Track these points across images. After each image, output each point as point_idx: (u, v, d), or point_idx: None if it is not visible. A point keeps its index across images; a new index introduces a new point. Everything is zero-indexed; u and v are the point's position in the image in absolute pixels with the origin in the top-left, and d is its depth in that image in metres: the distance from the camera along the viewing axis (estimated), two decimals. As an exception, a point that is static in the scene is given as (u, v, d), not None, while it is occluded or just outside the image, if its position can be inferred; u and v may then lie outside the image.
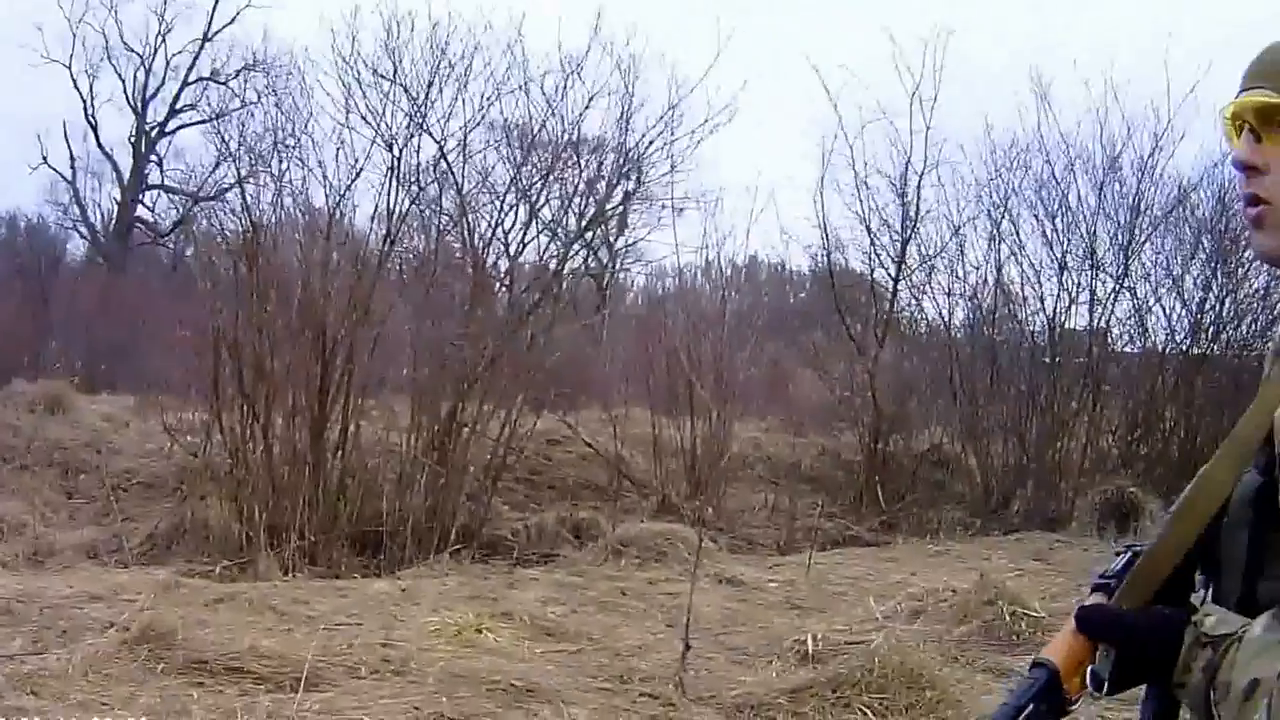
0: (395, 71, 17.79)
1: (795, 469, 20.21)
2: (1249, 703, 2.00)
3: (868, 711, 7.70)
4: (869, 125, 20.87)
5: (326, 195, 17.17)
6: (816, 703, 7.90)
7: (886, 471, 19.73)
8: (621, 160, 21.26)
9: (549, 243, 20.16)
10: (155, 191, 48.20)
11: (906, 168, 20.89)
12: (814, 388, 23.33)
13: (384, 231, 17.30)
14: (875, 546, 16.25)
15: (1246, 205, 2.22)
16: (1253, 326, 20.09)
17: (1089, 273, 20.11)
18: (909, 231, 21.09)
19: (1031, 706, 2.22)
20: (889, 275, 21.48)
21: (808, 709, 7.86)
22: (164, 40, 46.66)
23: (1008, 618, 9.98)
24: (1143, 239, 20.24)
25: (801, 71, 34.20)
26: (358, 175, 17.09)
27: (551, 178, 19.45)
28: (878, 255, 21.51)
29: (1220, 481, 2.22)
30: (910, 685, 7.89)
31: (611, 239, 26.29)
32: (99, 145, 47.16)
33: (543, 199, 19.68)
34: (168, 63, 46.83)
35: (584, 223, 20.65)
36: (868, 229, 21.30)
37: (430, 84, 17.86)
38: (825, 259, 22.00)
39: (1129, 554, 2.37)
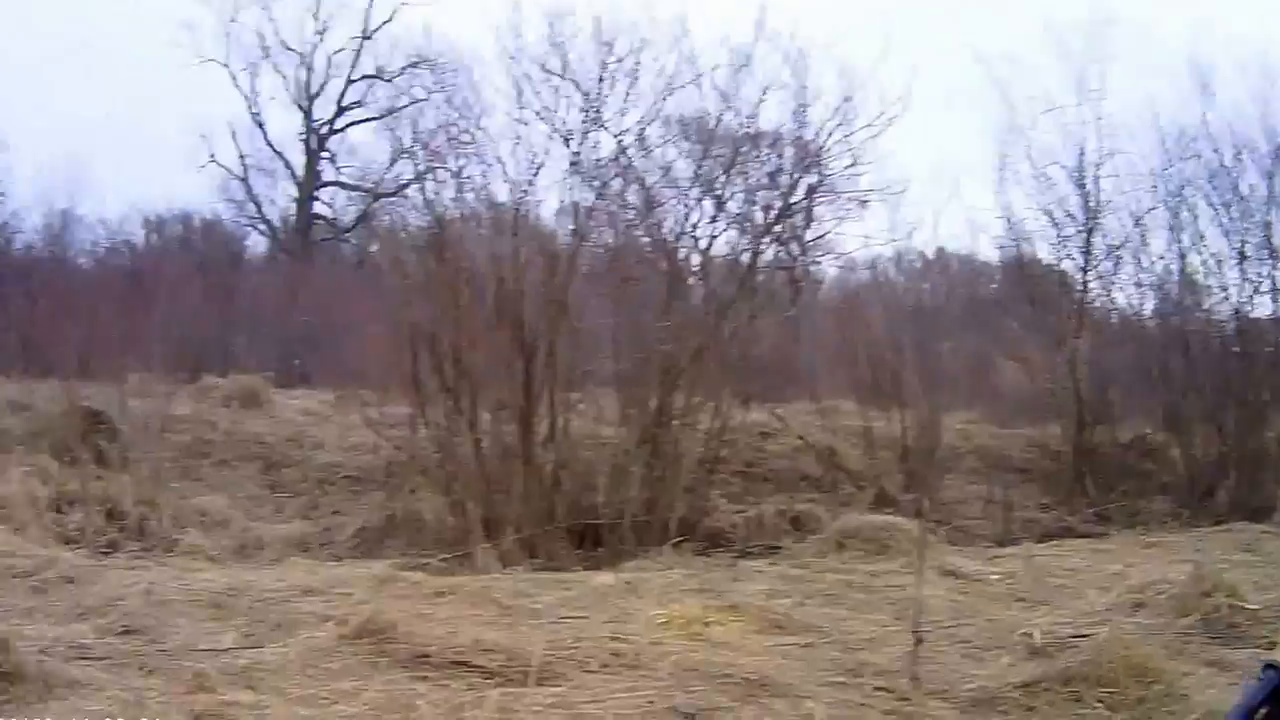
0: (564, 67, 17.81)
1: (1005, 460, 20.25)
2: None
3: (1099, 705, 7.79)
4: (1040, 116, 20.82)
5: (509, 190, 17.37)
6: (1049, 696, 8.02)
7: (1094, 462, 19.68)
8: (801, 153, 21.21)
9: (738, 236, 20.08)
10: (331, 188, 48.72)
11: (1081, 158, 20.93)
12: (1014, 379, 23.45)
13: (570, 226, 17.57)
14: (1089, 538, 16.09)
15: None
16: None
17: (1269, 262, 20.04)
18: (1091, 222, 21.01)
19: (1266, 709, 2.47)
20: (1078, 266, 21.43)
21: (1040, 703, 7.99)
22: (321, 38, 47.17)
23: (1225, 610, 9.97)
24: (1319, 226, 19.99)
25: (967, 61, 33.55)
26: (538, 170, 17.29)
27: (734, 171, 19.28)
28: (1064, 246, 21.48)
29: None
30: (1139, 679, 7.96)
31: (800, 232, 26.23)
32: (268, 143, 47.68)
33: (727, 192, 19.49)
34: (329, 60, 47.28)
35: (771, 216, 20.56)
36: (1051, 220, 21.28)
37: (600, 79, 17.83)
38: (1013, 250, 22.00)
39: None
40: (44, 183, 42.97)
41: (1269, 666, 2.43)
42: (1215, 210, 20.33)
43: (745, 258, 19.39)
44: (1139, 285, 21.31)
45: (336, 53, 47.05)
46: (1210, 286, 20.56)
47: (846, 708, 7.96)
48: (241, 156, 47.40)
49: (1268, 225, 19.92)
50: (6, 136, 35.14)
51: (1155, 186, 20.76)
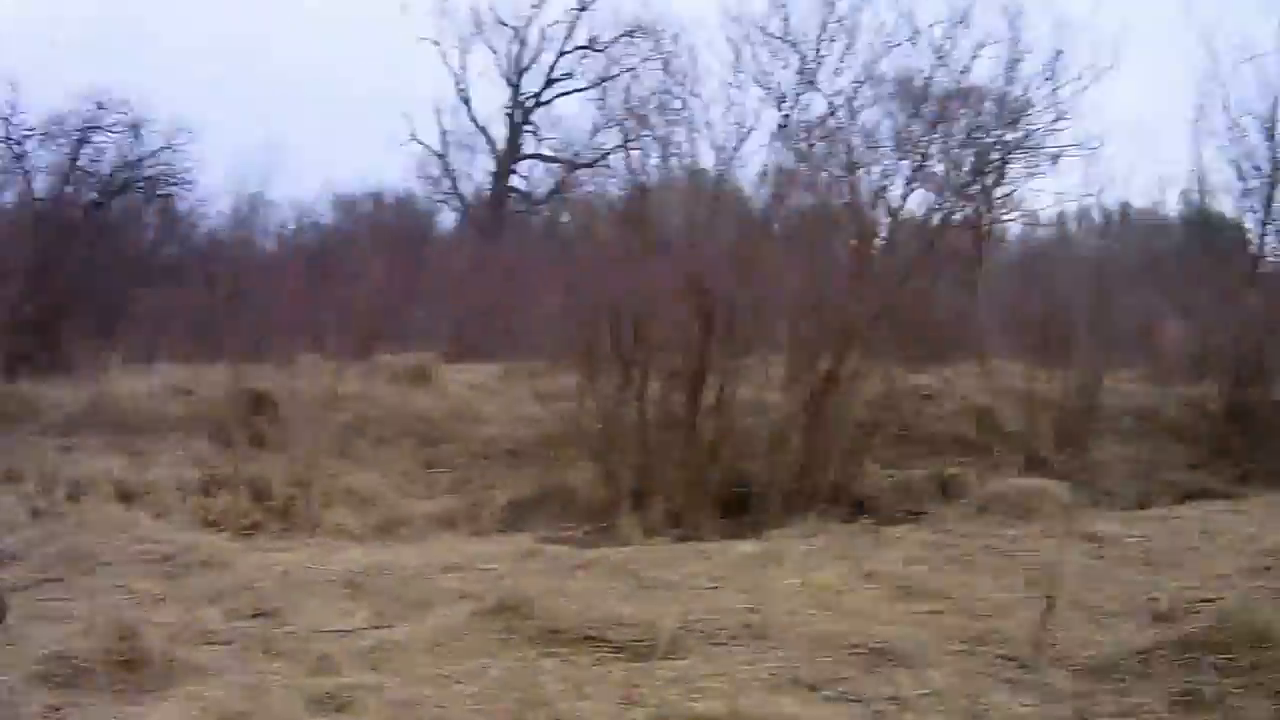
0: (785, 29, 18.20)
1: (1159, 419, 19.99)
2: None
3: (1213, 671, 7.69)
4: (1241, 65, 20.58)
5: (714, 156, 17.66)
6: (1164, 665, 7.96)
7: (1246, 421, 19.35)
8: (1005, 110, 21.15)
9: (931, 196, 20.06)
10: (531, 161, 48.46)
11: (1275, 108, 20.67)
12: (1183, 336, 23.12)
13: (770, 191, 17.56)
14: (1230, 499, 15.83)
15: None
16: None
17: None
18: (1277, 174, 20.75)
19: None
20: (1259, 220, 21.19)
21: (1156, 670, 7.93)
22: (538, 10, 46.78)
23: None
24: None
25: (1174, 9, 33.20)
26: (747, 135, 17.67)
27: (937, 131, 19.37)
28: (1248, 199, 21.22)
29: None
30: (1255, 644, 7.88)
31: (991, 189, 26.15)
32: (471, 119, 47.58)
33: (927, 153, 19.54)
34: (542, 34, 46.93)
35: (966, 176, 20.50)
36: (1239, 173, 21.03)
37: (820, 40, 18.29)
38: (1197, 203, 21.75)
39: None
40: (239, 168, 43.43)
41: None
42: None
43: (936, 218, 19.43)
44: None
45: (551, 25, 46.78)
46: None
47: (966, 676, 7.98)
48: (443, 133, 47.60)
49: None
50: (199, 123, 35.46)
51: None
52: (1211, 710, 7.30)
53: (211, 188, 38.14)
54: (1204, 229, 21.46)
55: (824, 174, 18.80)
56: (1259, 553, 11.22)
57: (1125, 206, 27.93)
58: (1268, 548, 11.34)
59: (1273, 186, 20.67)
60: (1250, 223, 21.28)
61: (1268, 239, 21.17)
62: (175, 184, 35.87)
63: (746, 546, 12.36)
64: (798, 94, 17.85)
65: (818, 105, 18.39)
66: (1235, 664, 7.80)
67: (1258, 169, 20.87)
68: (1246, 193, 20.99)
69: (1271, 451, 18.48)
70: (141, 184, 35.31)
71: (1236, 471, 18.13)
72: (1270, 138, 20.67)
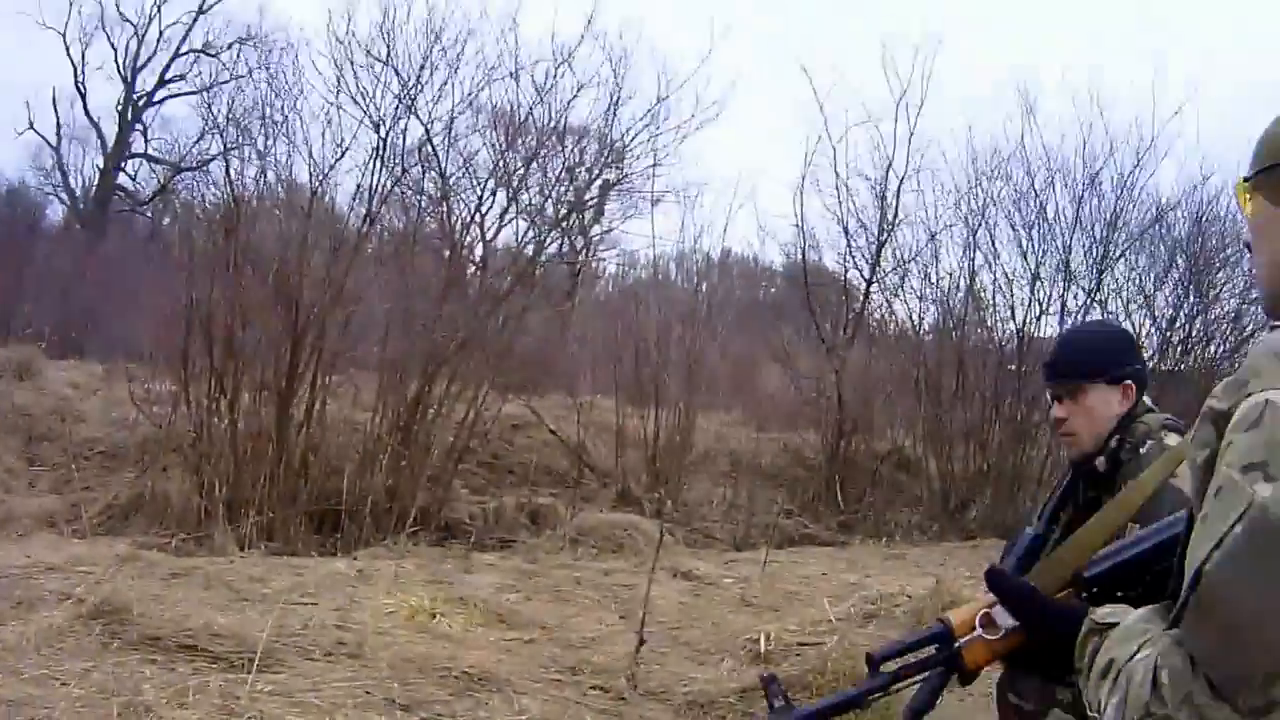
0: (388, 54, 17.95)
1: (756, 464, 20.17)
2: (1103, 681, 2.19)
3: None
4: (854, 128, 21.17)
5: (310, 172, 17.29)
6: (766, 703, 7.75)
7: (847, 471, 19.79)
8: (605, 150, 21.46)
9: (527, 228, 20.35)
10: (138, 161, 47.61)
11: (888, 172, 21.41)
12: (781, 383, 23.39)
13: (364, 211, 17.29)
14: (832, 546, 16.30)
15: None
16: (1221, 348, 20.38)
17: (1061, 284, 20.46)
18: (885, 235, 21.41)
19: (926, 647, 2.55)
20: (862, 276, 21.71)
21: (757, 709, 7.77)
22: (159, 11, 45.87)
23: None
24: (1117, 255, 20.54)
25: (791, 71, 34.50)
26: (343, 154, 17.26)
27: (535, 164, 19.61)
28: (853, 256, 21.76)
29: (1144, 485, 2.66)
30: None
31: (588, 227, 26.46)
32: (86, 113, 46.56)
33: (524, 185, 19.80)
34: (161, 34, 46.01)
35: (562, 211, 20.77)
36: (845, 230, 21.53)
37: (422, 67, 18.05)
38: (800, 256, 22.15)
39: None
40: None
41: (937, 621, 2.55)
42: (1015, 231, 20.75)
43: (529, 250, 19.65)
44: (922, 299, 21.63)
45: (170, 25, 45.95)
46: (997, 304, 20.93)
47: (561, 704, 7.83)
48: (58, 125, 46.78)
49: (1068, 249, 20.34)
50: None
51: (958, 204, 21.12)
52: None
53: None
54: (806, 281, 21.77)
55: (419, 197, 18.94)
56: (863, 600, 11.19)
57: (726, 252, 28.39)
58: (872, 595, 11.31)
59: (880, 246, 21.12)
60: (855, 278, 21.70)
61: (872, 295, 21.62)
62: None
63: (339, 564, 12.23)
64: (397, 118, 17.51)
65: (416, 130, 18.25)
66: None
67: (865, 227, 21.30)
68: (853, 249, 21.42)
69: (874, 502, 19.05)
70: None
71: (839, 519, 18.49)
72: (881, 199, 21.12)
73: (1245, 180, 2.37)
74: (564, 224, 21.12)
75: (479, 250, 20.02)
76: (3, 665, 7.46)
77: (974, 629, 2.50)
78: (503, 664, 8.50)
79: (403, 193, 18.55)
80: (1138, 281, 21.00)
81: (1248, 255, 2.48)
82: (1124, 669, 2.12)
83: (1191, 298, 20.10)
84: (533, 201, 20.27)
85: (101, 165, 46.29)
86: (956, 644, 2.52)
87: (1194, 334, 20.49)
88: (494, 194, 19.59)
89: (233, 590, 10.21)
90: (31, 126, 45.91)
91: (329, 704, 7.23)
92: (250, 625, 8.59)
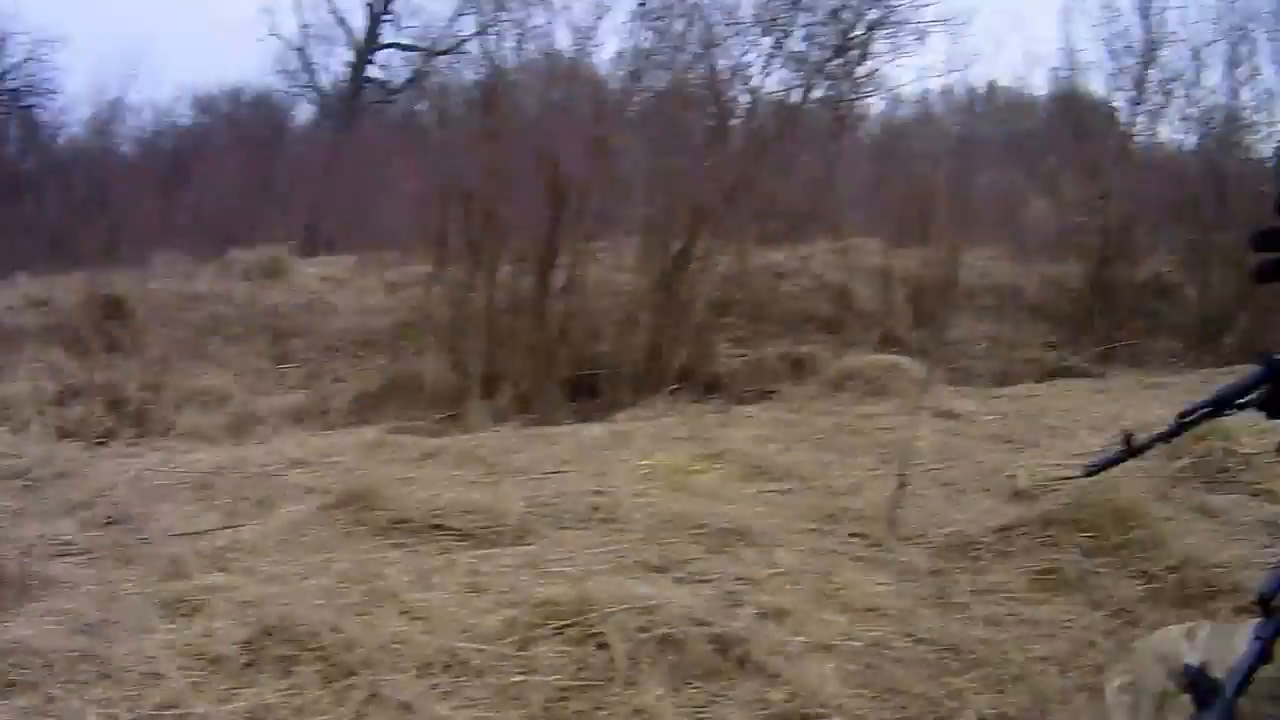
0: None
1: (1020, 298, 19.97)
2: None
3: (1075, 550, 7.47)
4: None
5: (572, 38, 17.22)
6: (1025, 541, 7.72)
7: (1108, 299, 19.38)
8: None
9: (791, 74, 20.07)
10: (389, 51, 47.85)
11: None
12: (1046, 215, 23.02)
13: (627, 71, 17.17)
14: (1091, 378, 16.07)
15: None
16: None
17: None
18: (1149, 55, 20.72)
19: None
20: (1129, 100, 21.17)
21: (1015, 548, 7.69)
22: None
23: (1219, 454, 9.57)
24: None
25: None
26: (603, 14, 17.21)
27: (799, 6, 19.28)
28: (1118, 79, 21.21)
29: None
30: (1120, 523, 7.62)
31: (853, 68, 26.18)
32: (330, 10, 47.17)
33: (789, 31, 19.44)
34: None
35: (827, 53, 20.46)
36: (1110, 52, 20.99)
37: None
38: (1066, 82, 21.72)
39: None
40: (100, 75, 42.72)
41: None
42: (1276, 45, 19.99)
43: (794, 96, 19.48)
44: (1185, 120, 21.10)
45: None
46: (1258, 123, 20.31)
47: (817, 555, 7.70)
48: (303, 26, 47.06)
49: None
50: (61, 32, 35.22)
51: (1219, 19, 20.49)
52: (1075, 589, 7.09)
53: (73, 97, 37.70)
54: (1072, 108, 21.35)
55: (681, 53, 18.43)
56: (1123, 431, 10.81)
57: (991, 84, 27.96)
58: (1129, 426, 10.91)
59: (1145, 66, 20.60)
60: (1120, 102, 21.18)
61: (1138, 119, 21.08)
62: (38, 95, 35.54)
63: (595, 429, 12.19)
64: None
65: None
66: (1097, 543, 7.55)
67: (1130, 48, 20.75)
68: (1118, 72, 20.89)
69: (1133, 331, 18.58)
70: (5, 98, 34.82)
71: (1098, 350, 18.12)
72: (1145, 17, 20.59)
73: None
74: (828, 67, 20.85)
75: (744, 100, 19.65)
76: (239, 566, 7.54)
77: None
78: (759, 516, 8.44)
79: (666, 49, 18.16)
80: None
81: None
82: None
83: None
84: (798, 47, 20.03)
85: (352, 60, 46.62)
86: None
87: None
88: (758, 42, 19.17)
89: (485, 465, 10.25)
90: (273, 32, 46.46)
91: (581, 571, 7.17)
92: (502, 499, 8.61)
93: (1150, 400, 13.46)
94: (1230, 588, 6.80)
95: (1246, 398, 2.86)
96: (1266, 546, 7.56)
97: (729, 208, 16.68)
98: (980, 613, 6.81)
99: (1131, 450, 3.09)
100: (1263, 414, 2.78)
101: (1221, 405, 2.92)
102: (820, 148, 21.78)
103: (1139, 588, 7.03)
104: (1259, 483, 9.08)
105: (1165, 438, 2.86)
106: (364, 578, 7.13)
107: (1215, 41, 20.46)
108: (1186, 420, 2.97)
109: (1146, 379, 15.47)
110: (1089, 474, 3.28)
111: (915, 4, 20.98)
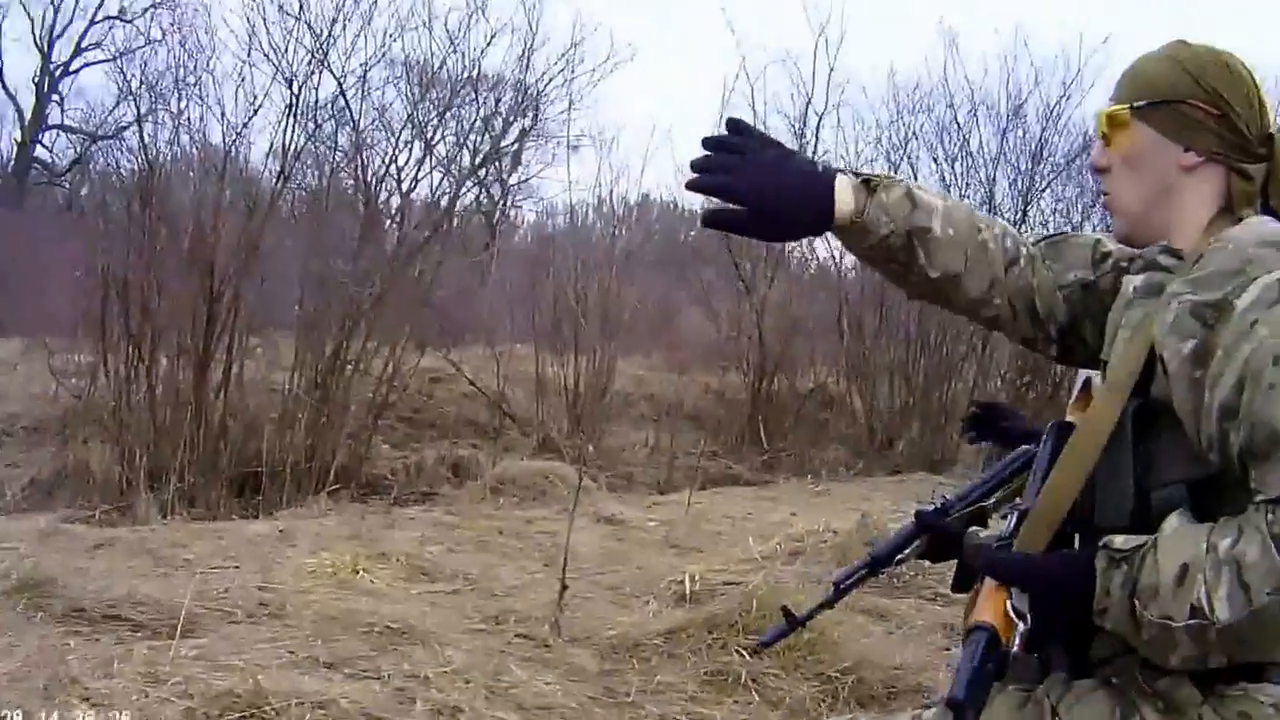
0: (300, 7, 17.73)
1: (678, 407, 20.16)
2: (1182, 587, 2.18)
3: (744, 652, 7.54)
4: (771, 65, 21.17)
5: (224, 133, 17.28)
6: (693, 643, 7.75)
7: (770, 410, 19.75)
8: (520, 97, 21.52)
9: (442, 179, 20.39)
10: (55, 131, 47.62)
11: (807, 108, 21.47)
12: (701, 326, 23.43)
13: (278, 168, 17.17)
14: (756, 486, 16.25)
15: (1102, 200, 2.75)
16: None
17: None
18: None
19: (990, 665, 2.32)
20: None
21: (683, 649, 7.71)
22: None
23: None
24: (1043, 186, 20.57)
25: (708, 10, 34.91)
26: (255, 112, 17.22)
27: (449, 115, 19.72)
28: None
29: (1104, 414, 2.46)
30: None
31: (505, 176, 26.48)
32: (3, 86, 46.62)
33: (438, 136, 19.93)
34: (77, 2, 45.94)
35: (478, 160, 20.79)
36: None
37: (334, 20, 17.84)
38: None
39: (1015, 514, 2.58)
40: None
41: (975, 629, 2.37)
42: (938, 164, 20.93)
43: (445, 201, 19.85)
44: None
45: None
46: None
47: (485, 654, 7.69)
48: None
49: (992, 181, 20.50)
50: None
51: (879, 139, 21.47)
52: (748, 690, 7.18)
53: None
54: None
55: (333, 152, 18.78)
56: (788, 537, 11.22)
57: (644, 198, 28.39)
58: (795, 533, 11.34)
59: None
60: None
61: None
62: None
63: (260, 526, 12.10)
64: (310, 73, 17.38)
65: (329, 84, 18.12)
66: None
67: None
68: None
69: (798, 440, 19.10)
70: None
71: (762, 459, 18.55)
72: (800, 136, 21.13)
73: (1133, 108, 2.59)
74: (480, 174, 21.11)
75: (395, 203, 19.92)
76: (-77, 646, 7.31)
77: (1011, 623, 2.36)
78: (426, 616, 8.44)
79: (317, 148, 18.40)
80: (1065, 213, 21.09)
81: (1098, 178, 2.69)
82: (1218, 559, 2.15)
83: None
84: (449, 152, 20.32)
85: (19, 138, 46.12)
86: (1010, 647, 2.37)
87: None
88: (409, 145, 19.61)
89: (155, 558, 10.06)
90: None
91: (253, 665, 7.03)
92: (173, 591, 8.46)
93: (817, 506, 13.73)
94: (913, 688, 6.95)
95: (902, 554, 2.93)
96: (944, 649, 7.68)
97: (380, 310, 16.86)
98: (654, 711, 6.86)
99: (792, 623, 3.12)
100: (925, 562, 2.87)
101: (878, 565, 2.96)
102: (473, 253, 22.04)
103: (814, 689, 7.11)
104: (931, 587, 9.34)
105: (826, 605, 3.07)
106: (47, 663, 6.97)
107: (875, 160, 21.55)
108: (844, 586, 3.02)
109: (813, 487, 15.77)
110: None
111: (562, 121, 21.31)
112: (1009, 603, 2.34)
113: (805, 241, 21.97)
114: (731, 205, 2.74)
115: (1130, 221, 2.62)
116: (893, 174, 2.87)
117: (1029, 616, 2.32)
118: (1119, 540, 2.29)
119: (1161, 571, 2.19)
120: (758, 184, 2.70)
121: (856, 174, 2.83)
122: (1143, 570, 2.22)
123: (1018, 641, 2.32)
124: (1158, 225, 2.58)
